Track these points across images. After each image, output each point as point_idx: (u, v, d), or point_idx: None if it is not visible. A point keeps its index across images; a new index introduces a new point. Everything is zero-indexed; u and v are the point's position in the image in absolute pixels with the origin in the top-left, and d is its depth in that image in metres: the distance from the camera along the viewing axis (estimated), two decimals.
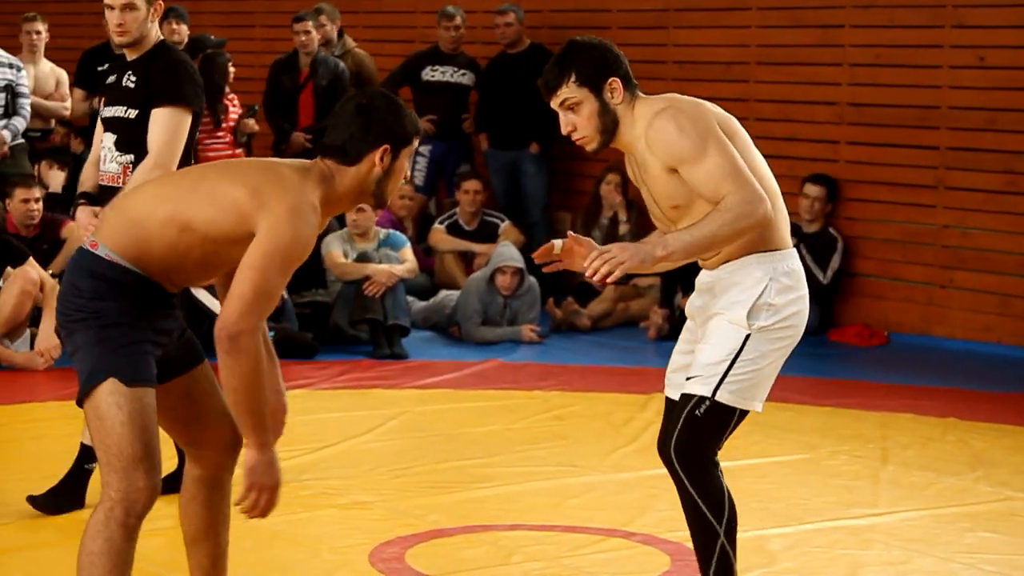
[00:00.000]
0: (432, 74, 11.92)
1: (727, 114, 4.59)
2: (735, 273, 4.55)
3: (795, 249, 4.63)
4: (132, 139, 5.99)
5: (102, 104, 6.16)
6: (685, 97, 4.59)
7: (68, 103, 11.76)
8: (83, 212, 6.10)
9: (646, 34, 11.72)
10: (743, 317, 4.50)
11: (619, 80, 4.58)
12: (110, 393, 4.11)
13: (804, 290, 4.61)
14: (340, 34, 12.10)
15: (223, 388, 4.16)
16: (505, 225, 11.29)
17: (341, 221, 10.27)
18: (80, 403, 4.20)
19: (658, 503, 6.38)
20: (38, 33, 11.65)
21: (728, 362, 4.52)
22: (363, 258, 9.94)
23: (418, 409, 8.09)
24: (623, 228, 11.04)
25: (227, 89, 11.34)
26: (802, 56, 10.79)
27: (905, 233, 10.36)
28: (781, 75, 10.87)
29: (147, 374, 4.18)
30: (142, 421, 4.12)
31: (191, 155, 6.07)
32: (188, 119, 5.98)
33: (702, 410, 4.53)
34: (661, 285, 10.50)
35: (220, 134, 11.33)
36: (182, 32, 11.90)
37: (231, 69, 11.34)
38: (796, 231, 10.42)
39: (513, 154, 11.73)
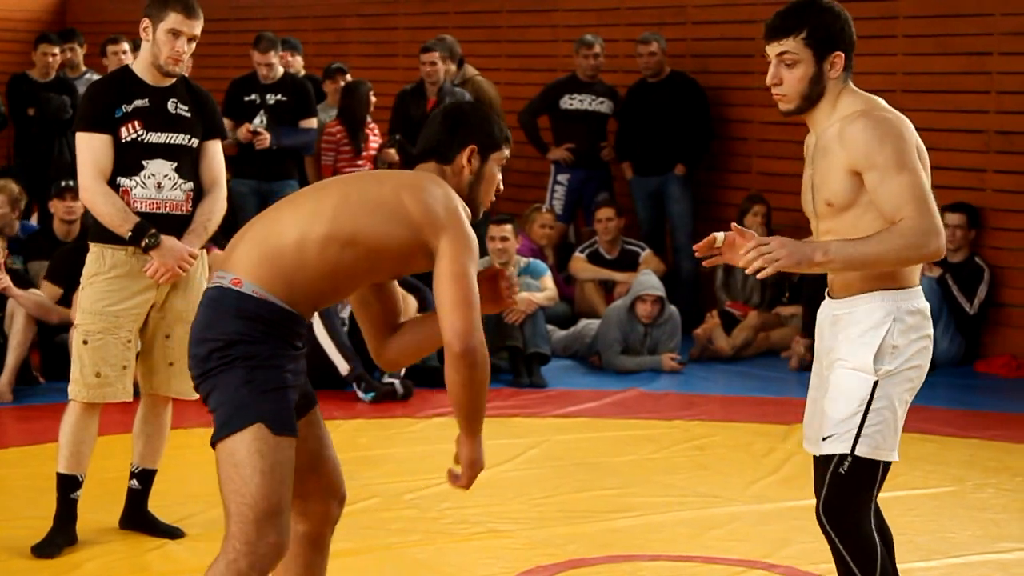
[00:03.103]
0: (570, 102, 11.94)
1: (920, 142, 4.41)
2: (857, 310, 4.36)
3: (920, 288, 4.44)
4: (193, 168, 6.05)
5: (139, 129, 5.98)
6: (888, 107, 4.41)
7: None
8: (179, 246, 5.97)
9: None
10: (868, 363, 4.31)
11: (843, 56, 4.36)
12: (254, 439, 3.98)
13: (929, 329, 4.41)
14: (461, 63, 12.16)
15: (453, 397, 4.10)
16: (646, 253, 11.26)
17: (483, 249, 10.31)
18: (215, 444, 4.07)
19: (800, 535, 6.31)
20: (124, 52, 11.59)
21: (861, 414, 4.32)
22: None
23: (558, 438, 8.08)
24: None
25: (368, 119, 11.47)
26: (949, 84, 10.67)
27: None
28: (927, 103, 10.74)
29: (292, 424, 4.06)
30: (282, 474, 4.00)
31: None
32: None
33: (845, 467, 4.34)
34: (803, 314, 10.42)
35: (360, 163, 11.44)
36: (297, 64, 12.09)
37: (372, 98, 11.45)
38: (942, 261, 10.30)
39: (658, 180, 11.70)
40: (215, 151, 6.14)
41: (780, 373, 10.04)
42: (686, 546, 6.22)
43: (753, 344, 10.57)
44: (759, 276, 4.31)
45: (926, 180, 4.27)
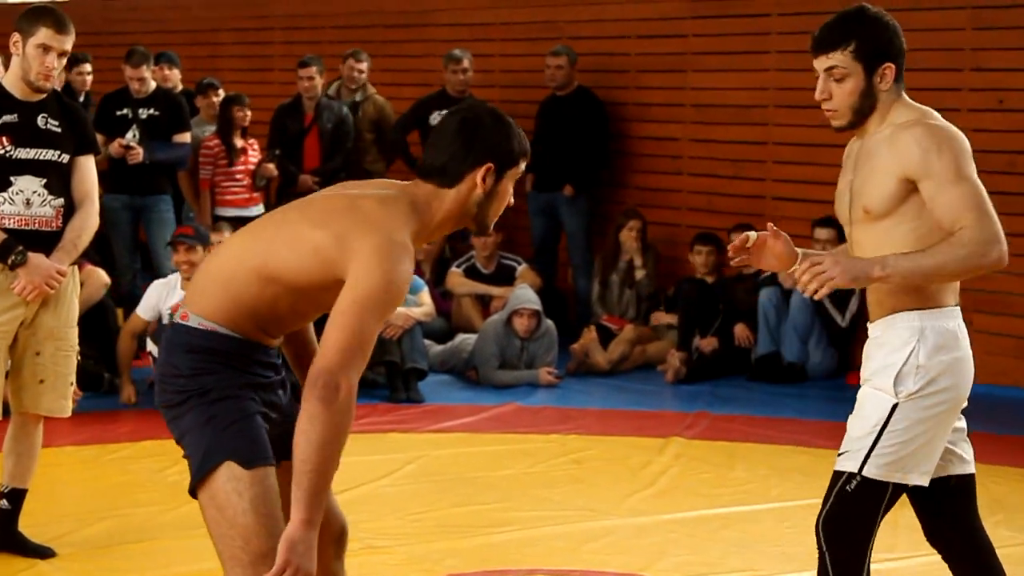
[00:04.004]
0: (439, 118, 11.90)
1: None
2: (884, 332, 4.30)
3: (957, 308, 4.33)
4: (64, 183, 5.98)
5: (8, 145, 5.91)
6: (942, 119, 4.27)
7: None
8: (47, 263, 5.88)
9: (664, 77, 11.74)
10: (889, 384, 4.20)
11: (894, 68, 4.26)
12: (228, 479, 3.79)
13: (961, 351, 4.26)
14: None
15: (296, 438, 3.69)
16: (522, 268, 11.29)
17: None
18: (193, 493, 3.87)
19: (676, 548, 6.35)
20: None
21: (874, 435, 4.20)
22: None
23: (435, 453, 8.07)
24: (639, 273, 11.05)
25: (242, 131, 11.40)
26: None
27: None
28: (799, 118, 10.86)
29: (265, 452, 3.85)
30: (266, 507, 3.80)
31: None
32: None
33: (852, 486, 4.23)
34: (679, 327, 10.49)
35: (239, 176, 11.37)
36: (174, 77, 12.04)
37: (247, 113, 11.38)
38: None
39: (550, 196, 11.70)
40: (87, 166, 6.07)
41: (656, 386, 10.10)
42: (563, 560, 6.23)
43: (630, 358, 10.62)
44: (816, 297, 4.17)
45: (983, 189, 4.13)
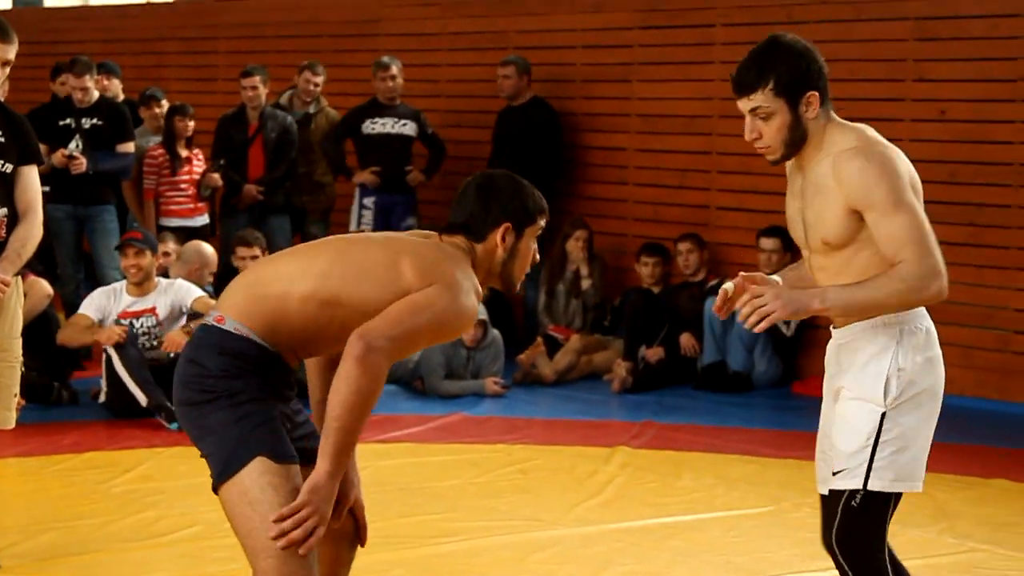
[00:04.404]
0: (372, 126, 11.89)
1: (914, 170, 4.27)
2: (858, 339, 4.27)
3: (924, 308, 4.30)
4: (7, 193, 5.95)
5: None
6: (880, 138, 4.27)
7: None
8: None
9: (610, 87, 11.77)
10: (875, 393, 4.22)
11: (818, 95, 4.23)
12: (261, 473, 3.87)
13: (935, 350, 4.30)
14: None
15: (331, 395, 3.85)
16: None
17: None
18: (217, 489, 3.95)
19: (622, 557, 6.36)
20: None
21: (870, 447, 4.21)
22: None
23: (381, 463, 8.05)
24: (585, 283, 11.08)
25: (186, 141, 11.36)
26: None
27: None
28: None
29: (292, 450, 3.96)
30: None
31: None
32: None
33: (858, 501, 4.24)
34: (625, 338, 10.52)
35: (183, 186, 11.33)
36: (114, 87, 11.98)
37: (190, 123, 11.34)
38: None
39: None
40: (31, 176, 6.03)
41: (602, 396, 10.11)
42: (509, 570, 6.23)
43: (576, 368, 10.64)
44: (757, 330, 4.19)
45: (924, 217, 4.14)
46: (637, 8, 11.63)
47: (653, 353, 10.36)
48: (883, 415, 4.21)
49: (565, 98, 11.92)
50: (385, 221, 11.88)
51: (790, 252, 10.52)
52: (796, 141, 4.26)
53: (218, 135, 11.79)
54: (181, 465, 7.87)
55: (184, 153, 11.38)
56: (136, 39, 15.39)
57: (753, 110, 4.25)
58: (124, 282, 9.26)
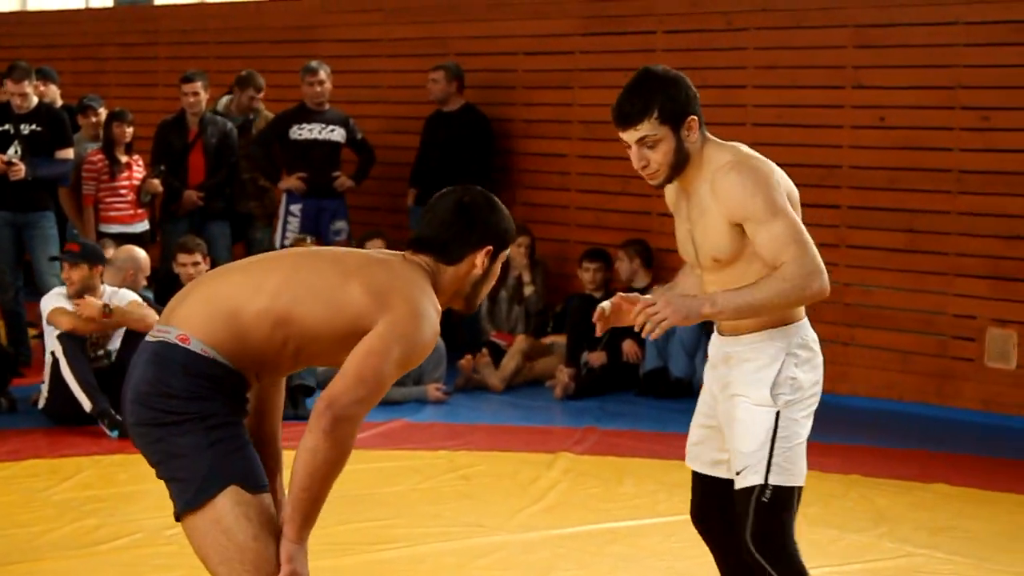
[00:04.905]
0: (300, 132, 11.85)
1: (790, 180, 4.55)
2: (749, 349, 4.51)
3: (807, 320, 4.57)
4: None
5: None
6: (754, 152, 4.53)
7: None
8: None
9: (552, 94, 11.79)
10: (767, 396, 4.44)
11: (696, 118, 4.50)
12: (236, 503, 3.80)
13: (818, 355, 4.56)
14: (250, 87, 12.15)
15: (298, 464, 3.81)
16: None
17: None
18: (183, 516, 3.85)
19: (565, 562, 6.36)
20: None
21: (769, 444, 4.44)
22: None
23: None
24: (528, 289, 11.09)
25: (126, 147, 11.30)
26: (705, 116, 10.81)
27: None
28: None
29: (264, 478, 3.92)
30: (274, 532, 3.85)
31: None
32: None
33: (767, 496, 4.45)
34: (567, 343, 10.53)
35: (123, 192, 11.27)
36: (51, 93, 11.92)
37: (128, 129, 11.27)
38: None
39: None
40: None
41: (545, 402, 10.12)
42: None
43: (519, 374, 10.64)
44: (651, 337, 4.39)
45: (798, 220, 4.38)
46: (578, 15, 11.66)
47: (595, 358, 10.38)
48: (777, 414, 4.44)
49: (507, 104, 11.94)
50: (314, 227, 11.85)
51: None
52: (680, 164, 4.48)
53: (157, 141, 11.73)
54: (122, 473, 7.83)
55: (123, 159, 11.31)
56: (75, 44, 15.31)
57: (640, 139, 4.46)
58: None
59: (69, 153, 10.90)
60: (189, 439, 3.82)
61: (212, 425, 3.84)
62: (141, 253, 9.93)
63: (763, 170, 4.42)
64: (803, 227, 4.37)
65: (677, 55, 10.97)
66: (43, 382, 9.06)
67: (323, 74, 11.79)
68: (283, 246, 11.37)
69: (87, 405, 8.75)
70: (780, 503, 4.45)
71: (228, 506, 3.80)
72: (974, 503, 7.60)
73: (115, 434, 8.59)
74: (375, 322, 3.86)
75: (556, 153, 11.76)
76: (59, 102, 11.95)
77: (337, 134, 11.86)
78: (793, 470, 4.47)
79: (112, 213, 11.29)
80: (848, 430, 9.27)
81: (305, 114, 11.82)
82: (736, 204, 4.37)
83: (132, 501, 7.21)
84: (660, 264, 11.01)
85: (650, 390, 10.29)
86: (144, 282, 9.88)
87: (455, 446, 8.68)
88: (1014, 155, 9.55)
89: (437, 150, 11.57)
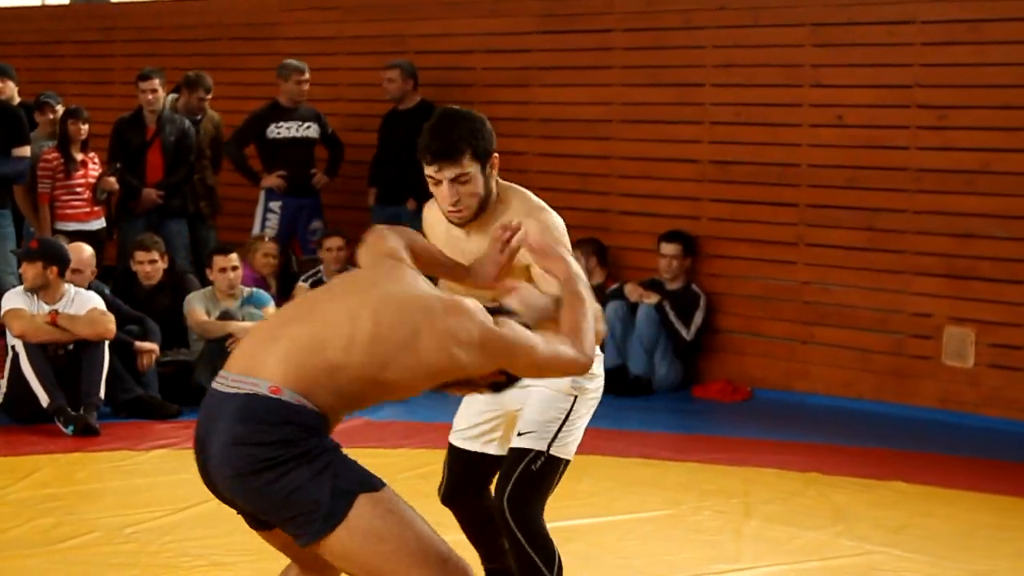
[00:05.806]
0: (277, 131, 11.83)
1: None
2: None
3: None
4: None
5: None
6: (541, 202, 4.79)
7: None
8: None
9: (510, 92, 11.78)
10: (568, 384, 4.78)
11: (497, 156, 4.65)
12: (373, 506, 3.84)
13: (600, 357, 4.87)
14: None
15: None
16: None
17: (205, 280, 10.21)
18: (312, 542, 3.83)
19: None
20: None
21: (561, 420, 4.78)
22: (226, 316, 9.85)
23: None
24: None
25: (82, 145, 11.24)
26: (664, 114, 10.90)
27: (767, 289, 10.48)
28: (643, 133, 10.96)
29: (379, 478, 3.94)
30: (419, 517, 3.89)
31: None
32: None
33: (538, 464, 4.74)
34: None
35: (79, 190, 11.21)
36: (9, 90, 11.85)
37: (84, 127, 11.21)
38: (659, 288, 10.51)
39: (395, 209, 11.67)
40: None
41: None
42: None
43: None
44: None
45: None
46: (535, 13, 11.66)
47: None
48: (575, 399, 4.82)
49: (464, 102, 11.85)
50: (292, 225, 11.84)
51: (691, 257, 10.59)
52: (484, 202, 4.65)
53: (114, 138, 11.68)
54: (80, 471, 7.80)
55: (79, 157, 11.25)
56: (31, 41, 15.22)
57: (456, 177, 4.56)
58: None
59: (26, 151, 10.83)
60: (300, 473, 3.82)
61: (316, 455, 3.86)
62: (88, 250, 9.85)
63: (558, 220, 4.71)
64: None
65: (635, 53, 10.99)
66: (2, 378, 9.02)
67: (307, 73, 11.80)
68: None
69: (44, 400, 8.71)
70: (549, 474, 4.76)
71: (366, 513, 3.83)
72: (932, 501, 7.63)
73: (70, 430, 8.56)
74: (460, 365, 4.01)
75: (514, 151, 11.74)
76: (17, 99, 11.87)
77: (312, 131, 11.87)
78: (571, 448, 4.81)
79: (68, 211, 11.23)
80: (806, 428, 9.30)
81: (280, 112, 11.81)
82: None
83: (90, 500, 7.18)
84: (615, 262, 11.03)
85: (608, 388, 10.21)
86: (92, 277, 9.80)
87: (414, 444, 8.67)
88: (970, 153, 9.60)
89: (395, 148, 11.56)
